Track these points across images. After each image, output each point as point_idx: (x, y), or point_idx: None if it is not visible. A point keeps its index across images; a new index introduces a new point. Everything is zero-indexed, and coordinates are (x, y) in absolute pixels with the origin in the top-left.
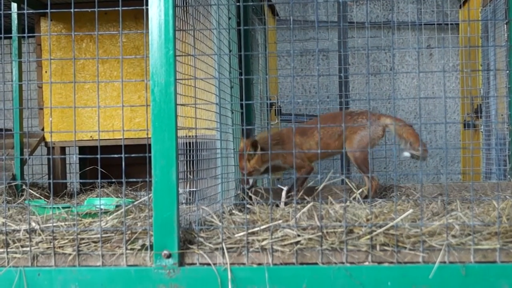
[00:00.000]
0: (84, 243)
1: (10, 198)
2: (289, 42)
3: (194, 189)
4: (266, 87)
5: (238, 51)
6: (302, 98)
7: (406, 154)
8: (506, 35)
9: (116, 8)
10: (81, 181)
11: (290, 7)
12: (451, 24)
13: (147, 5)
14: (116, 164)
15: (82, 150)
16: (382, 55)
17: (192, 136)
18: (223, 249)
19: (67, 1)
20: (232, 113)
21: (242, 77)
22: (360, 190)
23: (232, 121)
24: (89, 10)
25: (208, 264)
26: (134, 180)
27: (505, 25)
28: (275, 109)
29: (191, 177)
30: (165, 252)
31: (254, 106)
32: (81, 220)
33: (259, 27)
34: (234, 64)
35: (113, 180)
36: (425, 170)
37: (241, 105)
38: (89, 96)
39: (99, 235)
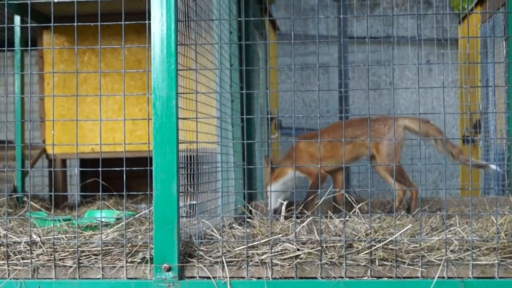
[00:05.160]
0: (84, 255)
1: (11, 210)
2: (290, 57)
3: (195, 202)
4: (266, 101)
5: (239, 65)
6: (303, 112)
7: (493, 166)
8: (505, 51)
9: (119, 22)
10: (82, 193)
11: (291, 22)
12: (450, 39)
13: (149, 19)
14: (117, 177)
15: (83, 162)
16: (382, 70)
17: (193, 149)
18: (223, 262)
19: (70, 14)
20: (233, 126)
21: (243, 91)
22: (360, 204)
23: (232, 135)
24: (92, 24)
25: (208, 278)
26: (135, 193)
27: (504, 41)
28: (275, 123)
29: (192, 190)
30: (165, 265)
31: (255, 120)
32: (81, 233)
33: (260, 42)
34: (235, 78)
35: (114, 192)
36: (424, 185)
37: (242, 119)
38: (91, 108)
39: (99, 248)
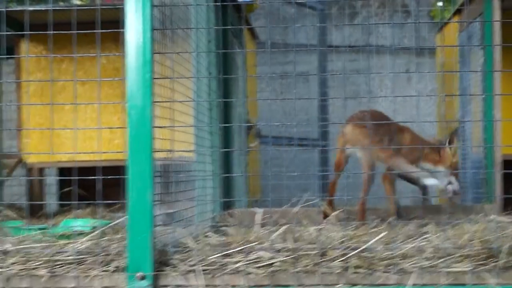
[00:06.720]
0: (58, 264)
1: None
2: (269, 65)
3: (171, 211)
4: (245, 110)
5: (217, 74)
6: (283, 120)
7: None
8: (481, 60)
9: (94, 31)
10: (57, 202)
11: (269, 30)
12: (429, 48)
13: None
14: (96, 185)
15: (62, 171)
16: (362, 79)
17: (170, 158)
18: (197, 271)
19: (48, 23)
20: (211, 135)
21: (220, 99)
22: (336, 212)
23: (211, 143)
24: (67, 32)
25: (183, 286)
26: (111, 202)
27: (481, 51)
28: (254, 132)
29: (168, 199)
30: (140, 274)
31: (234, 129)
32: (56, 242)
33: (238, 51)
34: (214, 86)
35: (90, 201)
36: (403, 193)
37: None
38: (69, 117)
39: (73, 257)
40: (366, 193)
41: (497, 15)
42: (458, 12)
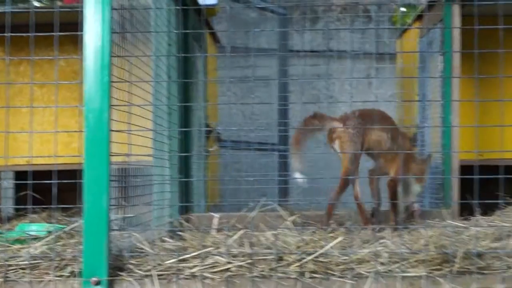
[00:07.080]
0: (12, 269)
1: None
2: (230, 69)
3: (127, 216)
4: (204, 114)
5: (177, 77)
6: (243, 124)
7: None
8: (440, 66)
9: (52, 33)
10: (12, 206)
11: (232, 34)
12: (390, 54)
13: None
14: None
15: (19, 175)
16: (322, 83)
17: (128, 162)
18: (153, 276)
19: (7, 24)
20: (170, 139)
21: (178, 104)
22: (293, 217)
23: (169, 148)
24: (25, 34)
25: None
26: (67, 206)
27: (441, 56)
28: (214, 136)
29: (125, 203)
30: (94, 279)
31: (193, 133)
32: (9, 246)
33: (199, 55)
34: (173, 90)
35: (46, 206)
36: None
37: (179, 131)
38: (26, 120)
39: (27, 262)
40: (337, 196)
41: (457, 21)
42: (419, 17)
